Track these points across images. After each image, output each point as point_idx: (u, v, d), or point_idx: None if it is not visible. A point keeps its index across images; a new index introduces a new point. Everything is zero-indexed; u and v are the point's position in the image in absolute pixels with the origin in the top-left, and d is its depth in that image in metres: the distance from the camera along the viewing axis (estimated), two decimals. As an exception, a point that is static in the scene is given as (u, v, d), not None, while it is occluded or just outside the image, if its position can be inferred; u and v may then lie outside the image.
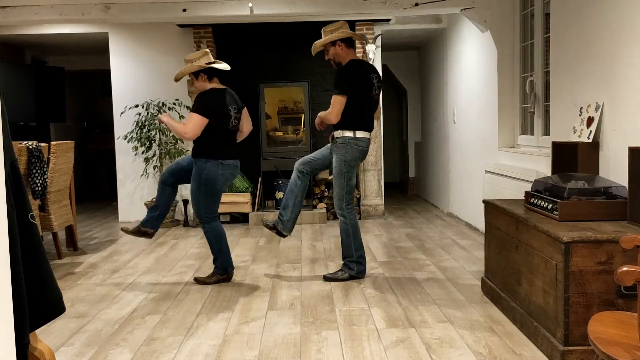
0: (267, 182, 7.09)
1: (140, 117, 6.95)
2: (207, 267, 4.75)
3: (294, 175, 4.37)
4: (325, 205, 7.04)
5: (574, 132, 3.74)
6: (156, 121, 4.16)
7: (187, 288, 4.19)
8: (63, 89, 8.40)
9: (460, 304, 3.65)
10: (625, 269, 1.76)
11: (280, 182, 6.96)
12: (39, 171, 4.73)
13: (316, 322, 3.38)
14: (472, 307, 3.59)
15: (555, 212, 2.97)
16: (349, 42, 4.27)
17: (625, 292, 2.55)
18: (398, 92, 10.12)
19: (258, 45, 7.27)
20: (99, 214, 7.93)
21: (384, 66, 7.80)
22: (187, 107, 7.04)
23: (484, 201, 3.86)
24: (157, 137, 6.96)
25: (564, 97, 4.02)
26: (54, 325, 3.40)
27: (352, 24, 7.06)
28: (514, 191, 4.63)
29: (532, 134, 4.98)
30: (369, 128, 4.25)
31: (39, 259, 1.48)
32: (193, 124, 4.04)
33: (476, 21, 5.58)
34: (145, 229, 4.36)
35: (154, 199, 6.95)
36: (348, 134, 4.17)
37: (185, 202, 6.95)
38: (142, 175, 7.13)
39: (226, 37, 7.21)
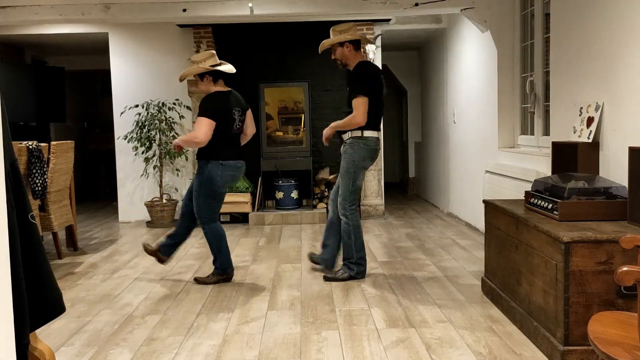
0: (267, 182, 7.09)
1: (140, 117, 6.95)
2: (207, 267, 4.75)
3: (342, 220, 4.26)
4: (325, 205, 7.03)
5: (574, 132, 3.74)
6: (170, 147, 4.23)
7: (187, 288, 4.19)
8: (63, 89, 8.40)
9: (460, 304, 3.65)
10: (625, 269, 1.76)
11: (280, 182, 6.97)
12: (39, 171, 4.73)
13: (316, 322, 3.38)
14: (472, 307, 3.59)
15: (555, 212, 2.97)
16: (357, 45, 4.28)
17: (625, 292, 2.55)
18: (398, 92, 10.12)
19: (258, 45, 7.27)
20: (99, 214, 7.93)
21: (384, 66, 7.80)
22: (187, 107, 7.05)
23: (484, 201, 3.86)
24: (157, 137, 6.96)
25: (564, 97, 4.02)
26: (54, 325, 3.40)
27: (352, 24, 7.06)
28: (514, 191, 4.63)
29: (532, 134, 4.98)
30: (377, 127, 4.27)
31: (39, 259, 1.48)
32: (203, 128, 4.05)
33: (476, 21, 5.58)
34: (162, 257, 4.40)
35: (154, 199, 6.99)
36: (356, 133, 4.19)
37: (185, 202, 6.94)
38: (142, 175, 7.13)
39: (226, 37, 7.21)
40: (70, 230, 5.57)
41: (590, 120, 3.56)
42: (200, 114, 4.09)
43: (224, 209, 6.83)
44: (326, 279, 4.27)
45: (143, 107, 6.98)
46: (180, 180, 7.27)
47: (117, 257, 5.28)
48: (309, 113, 7.16)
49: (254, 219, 6.78)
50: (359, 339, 3.09)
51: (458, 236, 5.85)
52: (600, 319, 2.10)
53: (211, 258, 4.70)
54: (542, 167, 4.31)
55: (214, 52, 4.28)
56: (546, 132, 4.64)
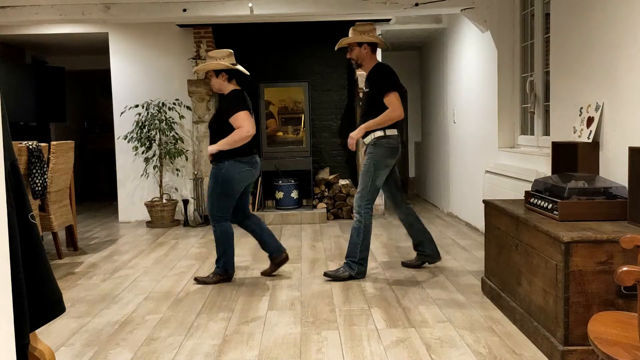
0: (267, 182, 7.09)
1: (140, 117, 6.95)
2: (207, 267, 4.75)
3: (355, 218, 4.36)
4: (325, 205, 7.04)
5: (574, 132, 3.74)
6: (208, 157, 4.25)
7: (187, 288, 4.19)
8: (63, 89, 8.40)
9: (460, 304, 3.65)
10: (625, 269, 1.76)
11: (280, 182, 6.97)
12: (39, 171, 4.73)
13: (316, 322, 3.38)
14: (472, 307, 3.59)
15: (555, 212, 2.97)
16: (374, 47, 4.37)
17: (625, 292, 2.55)
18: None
19: (258, 45, 7.27)
20: (99, 214, 7.93)
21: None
22: (187, 107, 7.05)
23: (484, 201, 3.86)
24: (157, 137, 6.96)
25: (564, 97, 4.02)
26: (54, 325, 3.40)
27: (352, 24, 7.05)
28: (514, 191, 4.63)
29: (532, 134, 4.98)
30: (398, 126, 4.33)
31: (39, 259, 1.48)
32: (247, 120, 4.09)
33: (476, 21, 5.58)
34: (278, 259, 4.42)
35: (154, 199, 6.99)
36: (379, 132, 4.24)
37: (185, 202, 6.95)
38: (142, 175, 7.13)
39: (226, 37, 7.21)
40: (70, 230, 5.57)
41: (590, 120, 3.56)
42: (237, 109, 4.10)
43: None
44: (326, 275, 4.28)
45: (143, 107, 6.98)
46: (180, 180, 7.27)
47: (117, 257, 5.28)
48: (309, 113, 7.16)
49: (254, 219, 6.78)
50: (359, 339, 3.09)
51: (458, 236, 5.85)
52: (600, 319, 2.10)
53: (211, 258, 4.71)
54: (542, 167, 4.31)
55: (232, 51, 4.30)
56: (546, 132, 4.64)
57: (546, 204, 3.10)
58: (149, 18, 5.82)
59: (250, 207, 6.78)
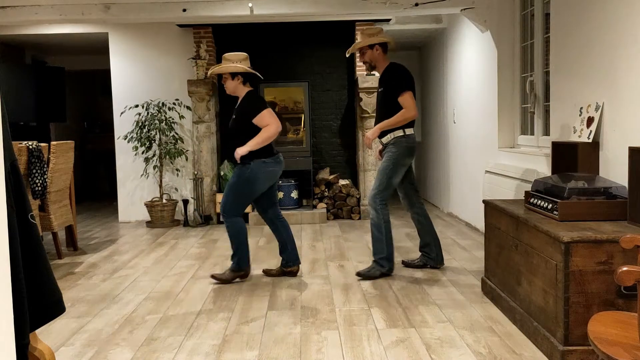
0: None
1: (140, 117, 6.95)
2: (208, 267, 4.75)
3: (372, 214, 4.34)
4: (325, 205, 7.04)
5: (574, 132, 3.74)
6: (238, 159, 4.25)
7: (187, 288, 4.19)
8: (63, 89, 8.40)
9: (460, 304, 3.65)
10: (625, 269, 1.76)
11: (280, 182, 6.96)
12: (39, 171, 4.73)
13: (316, 322, 3.38)
14: (472, 307, 3.59)
15: (555, 212, 2.97)
16: (385, 48, 4.42)
17: (625, 292, 2.55)
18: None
19: (258, 45, 7.27)
20: (99, 214, 7.93)
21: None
22: (187, 107, 7.05)
23: (484, 201, 3.86)
24: (157, 137, 6.96)
25: (564, 97, 4.02)
26: (54, 325, 3.40)
27: (352, 24, 7.07)
28: (514, 191, 4.63)
29: (532, 134, 4.98)
30: (413, 124, 4.38)
31: (39, 259, 1.48)
32: (271, 119, 4.13)
33: (476, 21, 5.58)
34: (289, 268, 4.43)
35: (154, 199, 6.99)
36: (398, 132, 4.28)
37: (185, 202, 6.95)
38: (142, 175, 7.13)
39: (226, 37, 7.21)
40: (70, 230, 5.57)
41: (590, 120, 3.56)
42: (260, 108, 4.14)
43: (224, 209, 6.85)
44: (359, 275, 4.30)
45: (143, 107, 6.98)
46: (180, 180, 7.27)
47: (117, 257, 5.28)
48: (309, 113, 7.17)
49: (253, 219, 6.78)
50: (359, 339, 3.09)
51: (458, 236, 5.85)
52: (600, 319, 2.10)
53: (211, 259, 4.71)
54: (542, 167, 4.31)
55: (248, 55, 4.35)
56: (546, 132, 4.64)
57: (546, 204, 3.10)
58: (149, 18, 5.82)
59: (250, 207, 6.82)
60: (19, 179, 1.43)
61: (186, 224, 6.90)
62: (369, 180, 7.04)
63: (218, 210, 6.91)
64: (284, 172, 6.97)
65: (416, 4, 5.51)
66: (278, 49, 7.36)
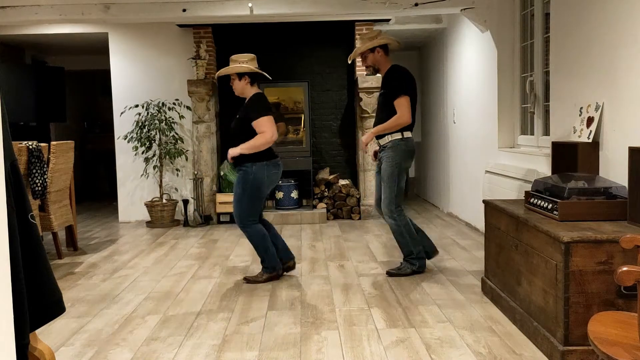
0: (267, 182, 7.08)
1: (140, 117, 6.95)
2: (208, 267, 4.75)
3: (391, 223, 4.35)
4: (325, 205, 7.04)
5: (574, 132, 3.74)
6: (230, 160, 4.23)
7: (187, 288, 4.19)
8: (63, 89, 8.40)
9: (460, 304, 3.65)
10: (625, 269, 1.76)
11: (280, 182, 6.96)
12: (39, 171, 4.73)
13: (316, 322, 3.38)
14: (472, 307, 3.59)
15: (555, 212, 2.97)
16: (386, 49, 4.40)
17: (625, 292, 2.55)
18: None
19: (258, 45, 7.27)
20: (99, 214, 7.93)
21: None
22: (187, 107, 7.05)
23: (484, 201, 3.86)
24: (157, 137, 6.96)
25: (564, 97, 4.02)
26: (54, 325, 3.40)
27: (352, 24, 7.07)
28: (514, 191, 4.63)
29: (532, 134, 4.98)
30: (412, 127, 4.37)
31: (39, 259, 1.47)
32: (270, 126, 4.11)
33: (476, 21, 5.58)
34: (286, 264, 4.38)
35: (154, 199, 6.98)
36: (397, 135, 4.28)
37: (185, 202, 6.95)
38: (142, 175, 7.13)
39: (226, 37, 7.21)
40: (70, 230, 5.57)
41: (590, 120, 3.56)
42: (262, 114, 4.12)
43: (224, 208, 6.86)
44: (390, 274, 4.32)
45: (143, 107, 6.98)
46: (180, 180, 7.28)
47: (117, 257, 5.28)
48: (309, 113, 7.17)
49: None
50: (359, 339, 3.09)
51: (458, 236, 5.85)
52: (600, 319, 2.10)
53: (211, 259, 4.70)
54: (542, 167, 4.31)
55: (255, 55, 4.35)
56: (546, 132, 4.64)
57: (546, 204, 3.10)
58: (148, 18, 5.83)
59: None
60: (19, 179, 1.43)
61: (186, 224, 6.90)
62: (369, 180, 7.04)
63: (218, 210, 6.92)
64: (284, 172, 7.00)
65: (416, 4, 5.51)
66: (278, 49, 7.36)
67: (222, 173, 7.02)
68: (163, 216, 6.90)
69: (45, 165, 4.85)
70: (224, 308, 3.70)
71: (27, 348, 1.41)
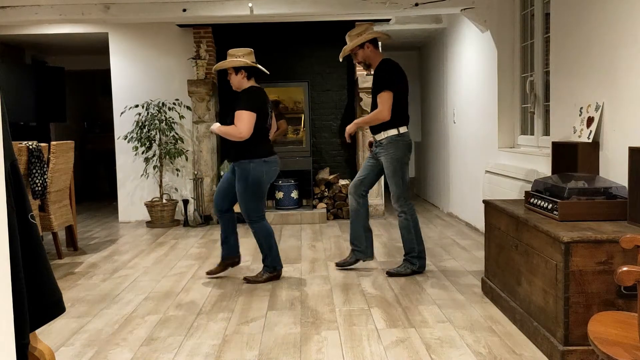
0: (267, 182, 7.08)
1: (140, 117, 6.95)
2: (208, 267, 4.75)
3: (352, 203, 4.44)
4: (325, 205, 7.03)
5: (574, 132, 3.74)
6: (209, 131, 4.21)
7: (187, 288, 4.19)
8: (63, 89, 8.40)
9: (460, 304, 3.65)
10: (625, 269, 1.76)
11: (280, 182, 6.96)
12: (39, 171, 4.73)
13: (316, 322, 3.38)
14: (472, 307, 3.59)
15: (555, 212, 2.97)
16: (375, 43, 4.39)
17: (625, 292, 2.55)
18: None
19: (258, 45, 7.24)
20: (99, 214, 7.93)
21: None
22: (187, 107, 7.05)
23: (484, 201, 3.86)
24: (157, 137, 6.96)
25: (564, 97, 4.02)
26: (54, 325, 3.40)
27: (352, 24, 7.06)
28: (514, 191, 4.63)
29: (532, 134, 4.98)
30: (408, 122, 4.39)
31: (39, 259, 1.48)
32: (246, 122, 4.05)
33: (476, 21, 5.58)
34: (231, 260, 4.41)
35: (154, 199, 6.99)
36: (392, 132, 4.28)
37: (185, 202, 6.95)
38: (142, 175, 7.13)
39: (226, 37, 7.21)
40: (70, 230, 5.57)
41: (590, 120, 3.56)
42: (243, 107, 4.07)
43: (224, 209, 6.85)
44: (390, 274, 4.32)
45: (143, 107, 6.98)
46: (180, 180, 7.27)
47: (117, 257, 5.28)
48: (309, 113, 7.17)
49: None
50: (359, 339, 3.09)
51: (458, 236, 5.85)
52: (600, 319, 2.10)
53: (211, 259, 4.69)
54: (542, 167, 4.31)
55: (252, 50, 4.32)
56: (546, 132, 4.64)
57: (546, 204, 3.10)
58: (148, 18, 5.83)
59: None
60: (19, 179, 1.43)
61: (186, 224, 6.90)
62: (369, 180, 7.03)
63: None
64: (284, 172, 7.02)
65: (416, 4, 5.51)
66: (278, 49, 7.35)
67: (222, 173, 7.02)
68: (163, 216, 6.90)
69: (45, 165, 4.85)
70: (224, 308, 3.70)
71: (27, 348, 1.41)
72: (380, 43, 4.87)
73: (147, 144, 6.89)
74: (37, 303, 1.46)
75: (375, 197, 7.14)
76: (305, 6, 5.62)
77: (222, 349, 3.02)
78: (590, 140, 3.51)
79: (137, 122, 6.91)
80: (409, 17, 7.04)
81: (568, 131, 3.89)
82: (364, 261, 4.55)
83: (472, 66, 6.25)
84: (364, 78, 6.77)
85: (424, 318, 3.40)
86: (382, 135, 4.31)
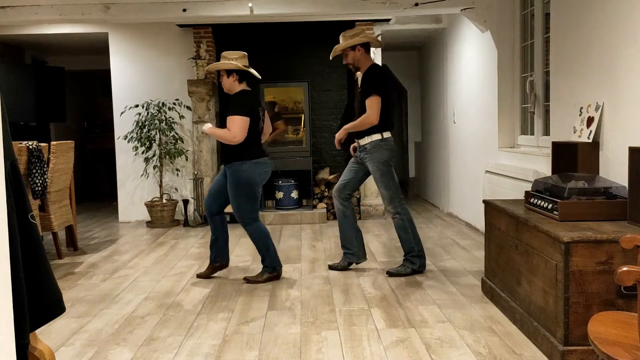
0: (267, 182, 7.06)
1: (140, 117, 6.95)
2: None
3: (338, 206, 4.47)
4: (325, 205, 7.03)
5: (574, 132, 3.74)
6: (200, 132, 4.22)
7: (187, 288, 4.19)
8: (63, 89, 8.40)
9: (460, 304, 3.65)
10: (625, 269, 1.76)
11: (280, 182, 6.97)
12: (39, 171, 4.73)
13: (316, 322, 3.38)
14: (472, 307, 3.59)
15: (555, 212, 2.97)
16: (367, 48, 4.38)
17: (625, 292, 2.55)
18: (398, 92, 10.12)
19: (258, 45, 7.27)
20: (99, 214, 7.93)
21: (384, 66, 7.80)
22: (187, 107, 7.05)
23: (484, 201, 3.86)
24: (157, 137, 6.96)
25: (564, 97, 4.02)
26: (54, 325, 3.40)
27: (352, 24, 7.06)
28: (514, 191, 4.63)
29: (532, 134, 4.98)
30: (392, 127, 4.39)
31: (39, 259, 1.47)
32: (238, 126, 4.07)
33: (476, 21, 5.58)
34: (218, 263, 4.40)
35: (154, 199, 6.98)
36: (376, 137, 4.29)
37: (185, 202, 6.95)
38: (142, 175, 7.13)
39: (226, 37, 7.21)
40: (70, 230, 5.57)
41: (590, 120, 3.56)
42: (236, 112, 4.09)
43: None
44: (390, 274, 4.32)
45: (143, 107, 6.98)
46: (180, 180, 7.27)
47: (117, 257, 5.28)
48: (309, 113, 7.16)
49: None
50: (359, 339, 3.09)
51: (458, 236, 5.85)
52: (600, 319, 2.10)
53: (210, 259, 4.67)
54: (542, 167, 4.31)
55: (246, 53, 4.33)
56: (546, 132, 4.64)
57: (546, 204, 3.10)
58: (148, 18, 5.83)
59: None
60: (19, 179, 1.43)
61: (186, 224, 6.90)
62: (369, 180, 7.01)
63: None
64: (284, 172, 7.02)
65: (416, 4, 5.51)
66: (278, 49, 7.35)
67: (222, 173, 7.02)
68: (163, 216, 6.90)
69: (45, 165, 4.85)
70: (224, 308, 3.70)
71: (27, 348, 1.41)
72: (372, 49, 4.86)
73: (147, 144, 6.89)
74: (37, 303, 1.46)
75: (375, 197, 7.14)
76: (305, 6, 5.62)
77: (222, 349, 3.02)
78: (590, 140, 3.51)
79: (137, 122, 6.91)
80: (409, 17, 7.04)
81: (568, 131, 3.89)
82: (357, 264, 4.55)
83: (472, 66, 6.25)
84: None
85: (424, 318, 3.40)
86: (366, 140, 4.32)
